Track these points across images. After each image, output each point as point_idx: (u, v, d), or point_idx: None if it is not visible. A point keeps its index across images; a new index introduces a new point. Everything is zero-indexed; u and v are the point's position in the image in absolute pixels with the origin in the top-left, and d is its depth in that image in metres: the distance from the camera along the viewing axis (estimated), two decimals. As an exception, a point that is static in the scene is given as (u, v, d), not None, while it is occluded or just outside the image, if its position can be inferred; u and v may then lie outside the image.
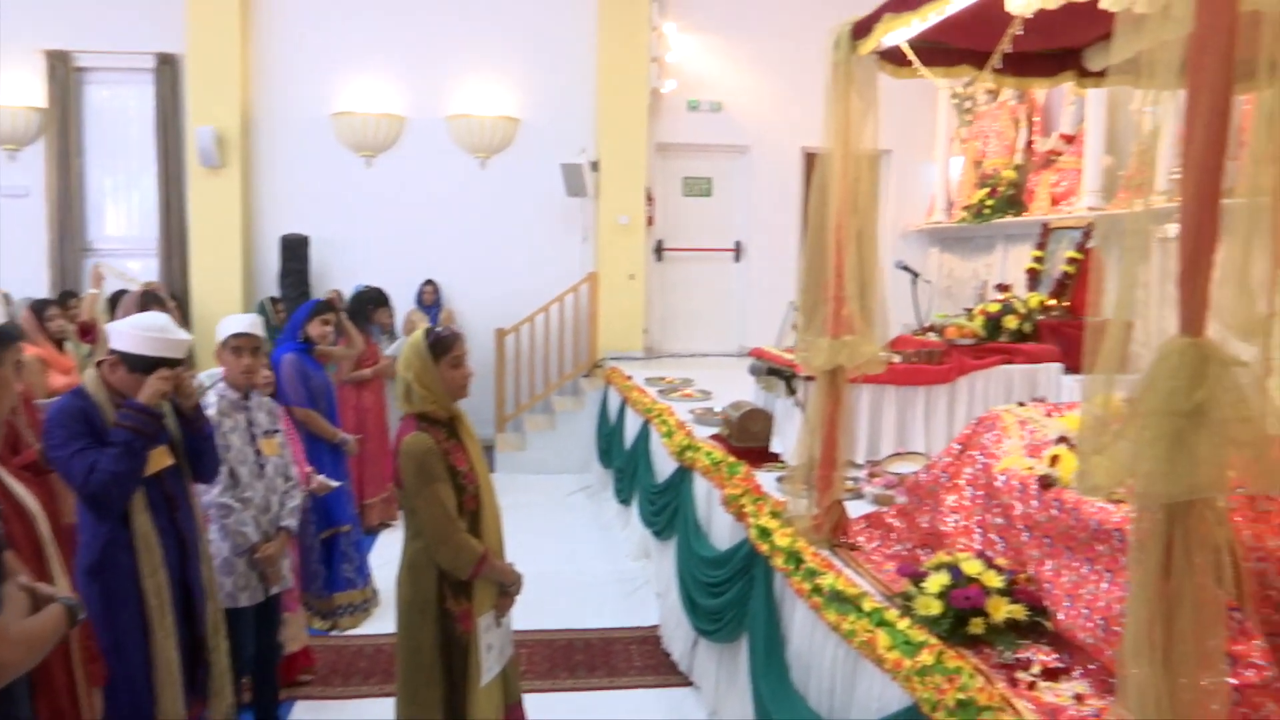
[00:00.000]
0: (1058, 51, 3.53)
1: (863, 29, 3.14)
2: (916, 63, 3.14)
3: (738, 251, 9.77)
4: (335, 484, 4.33)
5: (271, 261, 8.80)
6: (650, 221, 9.32)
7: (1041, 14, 2.72)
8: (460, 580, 2.87)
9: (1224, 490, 1.71)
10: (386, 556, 5.11)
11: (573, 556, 6.30)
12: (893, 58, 3.30)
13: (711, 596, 4.05)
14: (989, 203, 7.97)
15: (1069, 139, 7.45)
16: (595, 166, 8.99)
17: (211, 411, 3.31)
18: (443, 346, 2.91)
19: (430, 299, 8.87)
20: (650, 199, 9.26)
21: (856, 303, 3.16)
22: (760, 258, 9.60)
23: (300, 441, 4.35)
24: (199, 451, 3.03)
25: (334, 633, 4.95)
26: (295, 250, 8.64)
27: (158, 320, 2.93)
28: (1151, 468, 1.68)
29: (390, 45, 8.98)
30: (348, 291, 7.70)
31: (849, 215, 3.18)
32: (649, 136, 9.17)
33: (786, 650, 3.32)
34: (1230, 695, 2.08)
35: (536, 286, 8.91)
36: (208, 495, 3.30)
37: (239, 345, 3.44)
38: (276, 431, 3.58)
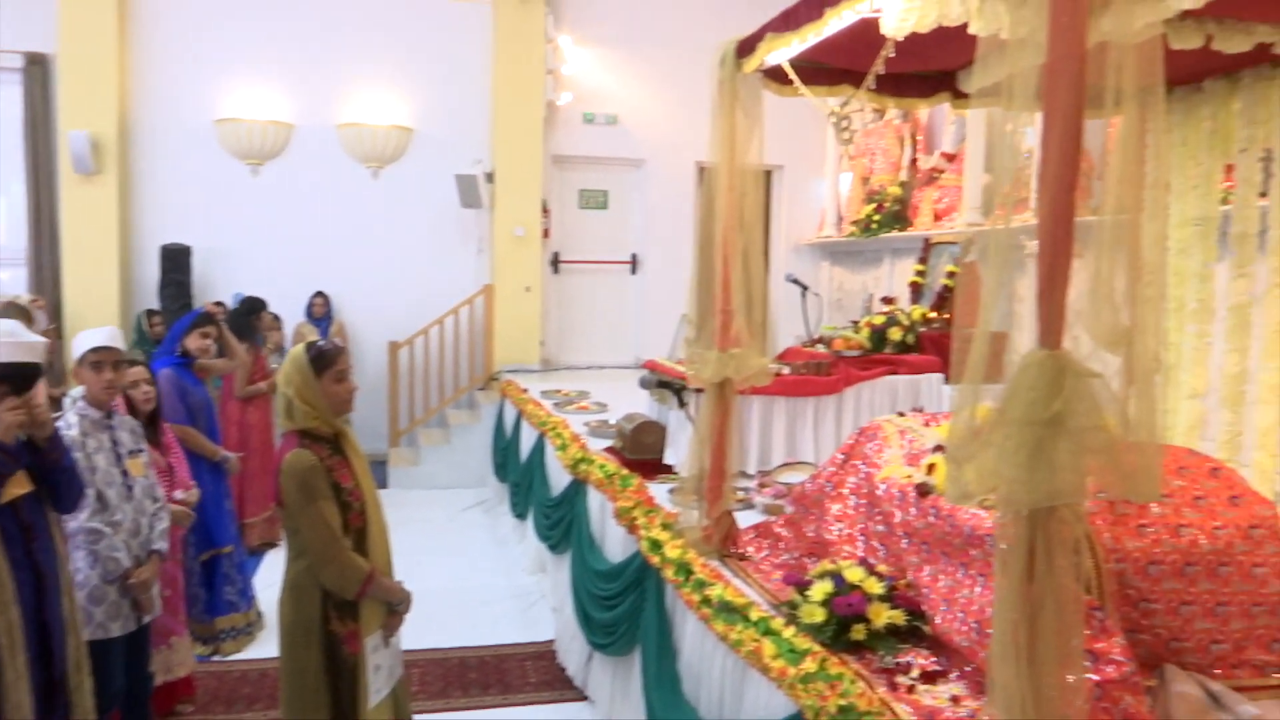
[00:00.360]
0: (934, 73, 3.67)
1: (746, 48, 3.20)
2: (797, 81, 3.21)
3: (634, 264, 9.83)
4: (193, 486, 4.11)
5: (151, 272, 8.45)
6: (546, 234, 9.30)
7: (916, 37, 2.81)
8: (346, 600, 2.80)
9: (1082, 496, 1.78)
10: (272, 578, 4.94)
11: (468, 572, 6.23)
12: (777, 76, 3.37)
13: (605, 610, 4.04)
14: (876, 218, 8.23)
15: (950, 157, 7.75)
16: (490, 178, 8.93)
17: (74, 432, 3.13)
18: (325, 360, 2.84)
19: (320, 311, 8.66)
20: (546, 211, 9.24)
21: (743, 316, 3.21)
22: (656, 270, 9.68)
23: (185, 460, 4.19)
24: (56, 484, 2.80)
25: (216, 658, 4.76)
26: (176, 261, 8.32)
27: (5, 325, 2.75)
28: (1014, 475, 1.74)
29: (278, 51, 8.75)
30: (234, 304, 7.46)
31: (735, 230, 3.23)
32: (545, 148, 9.16)
33: (678, 661, 3.34)
34: (1092, 691, 2.18)
35: (431, 298, 8.79)
36: (74, 521, 3.12)
37: (99, 360, 3.24)
38: (141, 451, 3.42)
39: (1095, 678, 2.19)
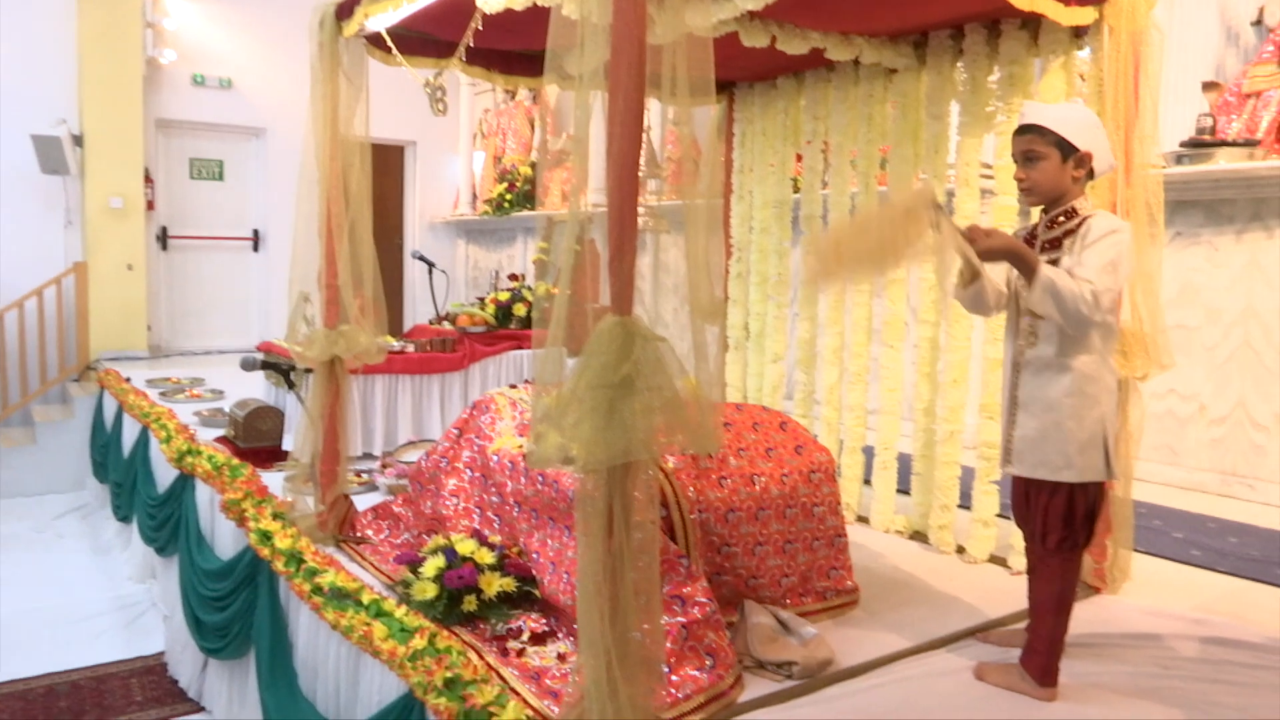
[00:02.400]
0: (541, 52, 3.74)
1: (345, 10, 3.06)
2: (395, 50, 3.13)
3: (256, 240, 9.18)
4: None
5: None
6: (151, 205, 8.41)
7: (517, 15, 2.84)
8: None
9: (654, 452, 1.91)
10: None
11: (61, 587, 5.50)
12: (382, 43, 3.27)
13: (216, 611, 3.75)
14: (508, 197, 8.35)
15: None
16: (79, 141, 7.88)
17: None
18: None
19: None
20: (149, 180, 8.34)
21: (350, 292, 3.10)
22: (281, 246, 9.03)
23: None
24: None
25: None
26: None
27: None
28: (591, 436, 1.83)
29: None
30: None
31: (340, 203, 3.10)
32: (146, 111, 8.25)
33: (294, 657, 3.18)
34: (680, 632, 2.37)
35: (7, 278, 7.61)
36: None
37: None
38: None
39: (682, 620, 2.38)
